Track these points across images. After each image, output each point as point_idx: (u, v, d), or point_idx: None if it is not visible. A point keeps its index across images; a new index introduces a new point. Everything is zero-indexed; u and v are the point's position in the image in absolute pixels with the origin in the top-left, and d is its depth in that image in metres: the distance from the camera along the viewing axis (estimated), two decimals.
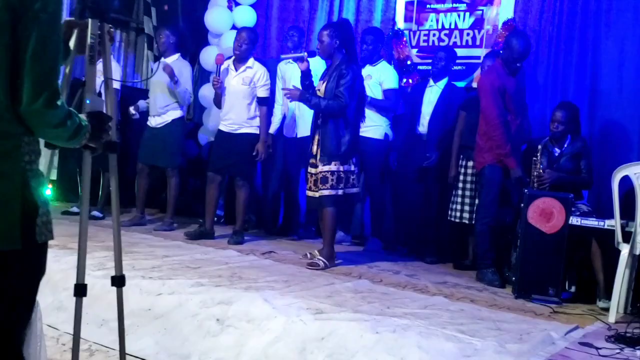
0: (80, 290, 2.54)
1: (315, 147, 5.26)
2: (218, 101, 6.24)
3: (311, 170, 5.30)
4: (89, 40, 2.45)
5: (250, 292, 4.18)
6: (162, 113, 6.40)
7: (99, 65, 2.52)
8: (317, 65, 5.59)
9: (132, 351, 3.60)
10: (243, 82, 6.01)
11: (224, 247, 5.77)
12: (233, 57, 6.15)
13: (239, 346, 3.65)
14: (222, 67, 6.16)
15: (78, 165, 6.72)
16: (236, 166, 6.05)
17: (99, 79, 2.53)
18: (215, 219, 6.44)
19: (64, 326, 3.76)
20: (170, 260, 4.90)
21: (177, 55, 6.48)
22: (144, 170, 6.53)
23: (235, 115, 6.05)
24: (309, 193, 5.34)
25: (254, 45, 6.17)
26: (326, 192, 5.18)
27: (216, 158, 6.18)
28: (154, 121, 6.49)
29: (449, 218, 5.76)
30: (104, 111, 2.43)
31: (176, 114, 6.44)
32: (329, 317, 3.80)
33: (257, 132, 6.06)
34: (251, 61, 6.09)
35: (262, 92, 6.02)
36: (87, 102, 2.42)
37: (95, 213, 6.54)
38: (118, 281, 2.81)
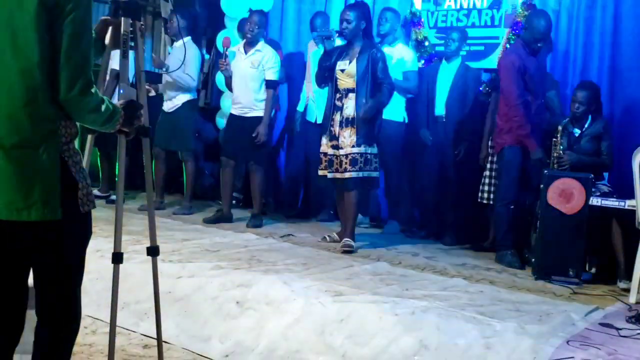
0: (117, 258, 2.76)
1: (337, 129, 5.22)
2: (229, 84, 6.25)
3: (334, 151, 5.25)
4: (122, 36, 2.69)
5: (269, 275, 4.21)
6: (173, 97, 6.43)
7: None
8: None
9: (153, 333, 3.65)
10: (252, 65, 5.99)
11: (243, 231, 5.79)
12: (244, 41, 6.15)
13: (258, 328, 3.69)
14: (231, 50, 6.17)
15: (100, 149, 6.79)
16: (248, 150, 6.04)
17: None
18: (234, 202, 6.46)
19: (84, 310, 3.80)
20: (190, 244, 4.93)
21: (187, 39, 6.48)
22: (161, 155, 6.56)
23: (245, 99, 6.04)
24: (330, 174, 5.28)
25: (265, 28, 6.19)
26: (354, 174, 5.17)
27: (229, 142, 6.22)
28: (166, 106, 6.53)
29: (479, 200, 5.73)
30: (136, 99, 2.61)
31: (186, 97, 6.45)
32: (348, 300, 3.82)
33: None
34: (261, 44, 6.07)
35: (270, 75, 5.99)
36: (121, 91, 2.67)
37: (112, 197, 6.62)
38: (153, 251, 3.00)
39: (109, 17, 2.72)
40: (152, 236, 3.01)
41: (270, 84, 5.99)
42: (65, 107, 2.15)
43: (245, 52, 6.07)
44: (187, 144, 6.51)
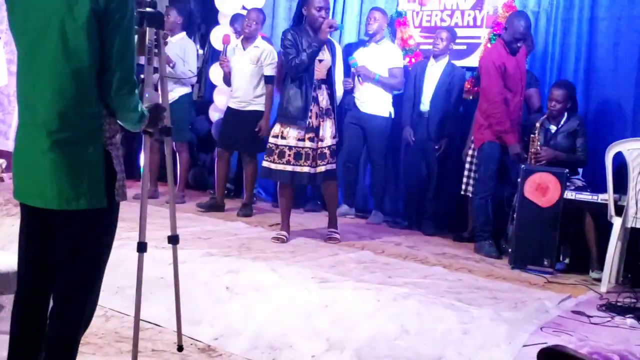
0: (141, 247, 2.90)
1: (314, 120, 4.91)
2: (227, 80, 6.25)
3: (312, 145, 4.91)
4: (147, 44, 2.85)
5: (258, 262, 4.22)
6: (170, 91, 6.39)
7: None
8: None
9: (145, 317, 3.65)
10: (250, 61, 5.99)
11: (233, 220, 5.80)
12: (242, 37, 6.13)
13: (247, 313, 3.70)
14: (230, 47, 6.15)
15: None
16: (243, 142, 6.04)
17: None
18: (226, 192, 6.46)
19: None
20: (182, 232, 4.87)
21: (183, 34, 6.52)
22: (155, 146, 6.54)
23: (243, 93, 6.03)
24: (308, 169, 4.91)
25: (261, 25, 6.17)
26: (334, 165, 5.10)
27: (225, 134, 6.19)
28: None
29: (462, 192, 5.74)
30: (159, 103, 2.77)
31: (183, 90, 6.44)
32: (333, 286, 3.84)
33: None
34: (258, 40, 6.06)
35: (269, 71, 5.97)
36: (146, 95, 2.77)
37: None
38: (173, 240, 3.16)
39: (135, 27, 2.78)
40: (173, 226, 3.14)
41: (268, 80, 5.97)
42: (112, 104, 2.27)
43: (244, 48, 6.05)
44: (182, 136, 6.47)
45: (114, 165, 2.31)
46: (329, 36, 4.97)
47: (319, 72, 4.95)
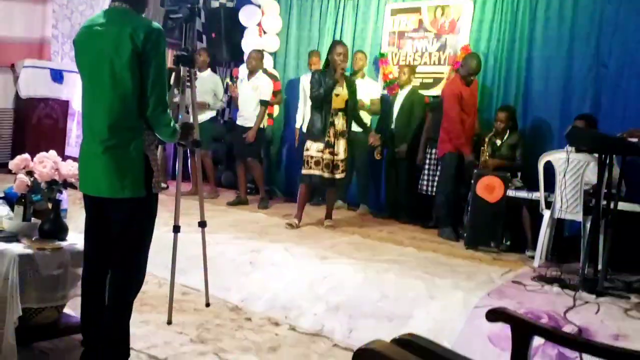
0: (176, 228, 3.00)
1: (332, 138, 4.99)
2: (236, 103, 6.30)
3: (330, 157, 4.99)
4: (181, 79, 2.95)
5: (274, 244, 4.25)
6: (200, 114, 6.43)
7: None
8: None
9: (188, 284, 3.68)
10: (252, 89, 6.00)
11: (255, 211, 5.81)
12: (247, 71, 6.16)
13: (265, 282, 3.73)
14: (239, 78, 6.22)
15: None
16: (246, 150, 6.04)
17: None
18: (248, 190, 6.46)
19: None
20: (216, 221, 4.93)
21: (208, 70, 6.56)
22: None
23: (246, 114, 6.05)
24: (328, 175, 5.00)
25: (260, 61, 6.17)
26: (343, 175, 5.11)
27: (236, 145, 6.21)
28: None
29: (418, 191, 5.75)
30: (189, 122, 2.81)
31: (208, 114, 6.47)
32: (330, 262, 3.87)
33: (262, 126, 6.07)
34: (259, 74, 6.07)
35: (264, 96, 5.98)
36: (180, 116, 2.89)
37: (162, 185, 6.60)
38: (202, 224, 3.21)
39: (173, 66, 2.93)
40: (202, 214, 3.22)
41: (262, 103, 5.98)
42: (149, 120, 2.31)
43: (248, 79, 6.08)
44: (206, 146, 6.39)
45: (151, 165, 2.34)
46: (346, 76, 5.09)
47: (335, 103, 5.02)
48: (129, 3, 2.33)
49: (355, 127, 5.70)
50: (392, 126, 5.95)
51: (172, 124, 2.38)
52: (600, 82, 5.15)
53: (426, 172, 5.70)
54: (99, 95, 2.30)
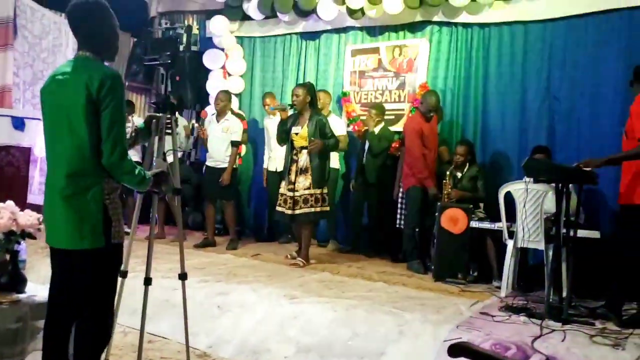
0: (147, 281, 2.83)
1: (293, 176, 5.03)
2: (205, 144, 6.22)
3: (291, 193, 5.03)
4: (159, 125, 2.83)
5: (242, 285, 4.16)
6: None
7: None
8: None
9: (155, 332, 3.55)
10: (222, 130, 5.95)
11: (223, 252, 5.70)
12: (215, 112, 6.11)
13: (234, 325, 3.63)
14: (207, 120, 6.20)
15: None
16: (220, 191, 5.95)
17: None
18: (216, 231, 6.36)
19: None
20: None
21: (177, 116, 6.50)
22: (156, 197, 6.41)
23: (217, 155, 5.97)
24: (289, 211, 5.03)
25: (229, 102, 6.13)
26: (306, 210, 5.02)
27: (207, 187, 6.12)
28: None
29: (397, 226, 5.69)
30: (165, 170, 2.65)
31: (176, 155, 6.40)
32: (300, 301, 3.80)
33: (234, 166, 6.02)
34: (228, 114, 6.04)
35: (235, 137, 5.93)
36: (154, 164, 2.75)
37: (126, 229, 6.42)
38: (182, 277, 2.96)
39: (154, 113, 2.87)
40: (182, 265, 2.97)
41: (234, 144, 5.93)
42: (108, 169, 2.23)
43: (217, 121, 6.02)
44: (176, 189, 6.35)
45: (110, 215, 2.27)
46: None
47: (297, 141, 5.09)
48: (92, 52, 2.31)
49: (333, 164, 5.70)
50: (364, 162, 5.94)
51: (137, 172, 2.29)
52: (554, 114, 5.32)
53: (400, 205, 5.70)
54: (57, 145, 2.28)
